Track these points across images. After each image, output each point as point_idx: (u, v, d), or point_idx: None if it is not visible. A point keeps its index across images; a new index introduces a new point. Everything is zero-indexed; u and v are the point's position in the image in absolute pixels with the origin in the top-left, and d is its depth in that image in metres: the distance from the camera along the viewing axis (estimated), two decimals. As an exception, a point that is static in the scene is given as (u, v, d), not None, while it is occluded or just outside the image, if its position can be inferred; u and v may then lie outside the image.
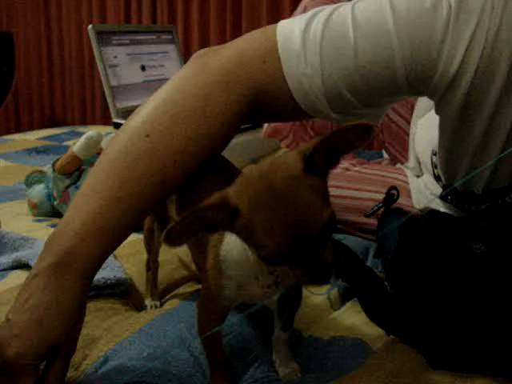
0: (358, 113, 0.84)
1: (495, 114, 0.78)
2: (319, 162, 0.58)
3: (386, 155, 1.67)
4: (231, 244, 0.68)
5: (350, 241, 1.18)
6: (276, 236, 0.56)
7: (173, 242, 0.59)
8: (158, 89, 0.82)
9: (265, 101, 0.81)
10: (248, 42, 0.83)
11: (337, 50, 0.77)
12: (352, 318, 0.92)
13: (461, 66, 0.75)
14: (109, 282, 0.96)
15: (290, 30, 0.80)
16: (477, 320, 0.79)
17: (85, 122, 3.78)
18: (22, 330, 0.69)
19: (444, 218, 0.96)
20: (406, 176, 1.37)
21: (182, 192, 0.81)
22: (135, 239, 1.07)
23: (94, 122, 3.69)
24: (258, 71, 0.80)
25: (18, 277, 1.02)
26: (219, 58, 0.81)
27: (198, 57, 0.84)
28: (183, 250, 1.10)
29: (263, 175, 0.58)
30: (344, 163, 1.39)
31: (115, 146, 0.79)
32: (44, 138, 2.49)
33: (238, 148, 1.91)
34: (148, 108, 0.80)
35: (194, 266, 1.08)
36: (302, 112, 0.82)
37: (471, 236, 0.90)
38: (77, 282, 0.72)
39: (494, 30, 0.74)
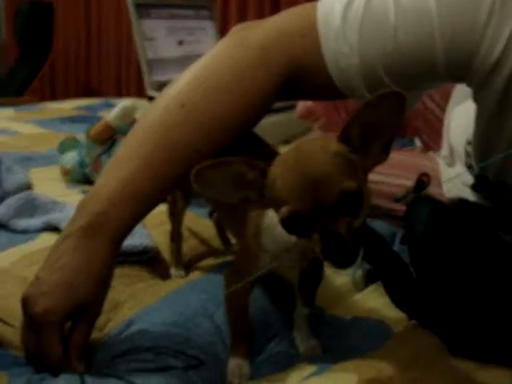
0: None
1: None
2: (354, 134, 0.60)
3: (418, 143, 1.66)
4: (271, 216, 0.69)
5: (377, 225, 1.17)
6: (295, 193, 0.58)
7: (200, 181, 0.62)
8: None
9: (301, 77, 0.81)
10: (287, 18, 0.83)
11: (376, 29, 0.77)
12: (375, 301, 0.92)
13: (503, 52, 0.74)
14: (136, 249, 0.97)
15: (330, 6, 0.79)
16: (501, 310, 0.79)
17: (119, 94, 3.81)
18: (50, 289, 0.71)
19: (474, 207, 0.95)
20: (437, 164, 1.36)
21: None
22: (163, 210, 1.08)
23: (128, 95, 3.72)
24: (296, 47, 0.80)
25: (49, 238, 1.04)
26: (258, 32, 0.81)
27: (237, 30, 0.84)
28: (207, 225, 1.11)
29: (299, 144, 0.61)
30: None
31: (150, 115, 0.80)
32: (78, 108, 2.52)
33: (270, 128, 1.91)
34: (184, 79, 0.80)
35: (215, 242, 1.09)
36: (336, 90, 0.82)
37: (501, 226, 0.89)
38: (106, 245, 0.74)
39: None
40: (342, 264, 0.59)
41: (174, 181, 0.79)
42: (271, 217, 0.69)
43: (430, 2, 0.74)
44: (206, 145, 0.77)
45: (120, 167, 0.77)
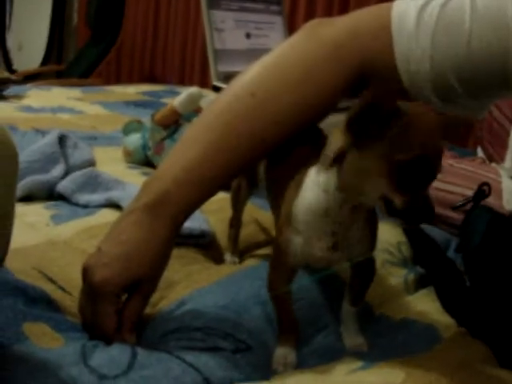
0: (462, 102, 0.83)
1: None
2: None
3: (480, 153, 1.63)
4: (306, 198, 0.72)
5: (432, 231, 1.17)
6: (421, 143, 0.64)
7: (353, 128, 0.65)
8: (260, 57, 0.84)
9: (370, 76, 0.82)
10: (362, 17, 0.84)
11: (450, 35, 0.76)
12: (425, 305, 0.91)
13: None
14: (193, 232, 0.99)
15: (405, 9, 0.79)
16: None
17: (182, 81, 3.86)
18: (110, 260, 0.73)
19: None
20: (499, 176, 1.34)
21: (273, 154, 0.83)
22: (222, 197, 1.09)
23: (191, 84, 3.76)
24: (369, 46, 0.80)
25: (108, 214, 1.07)
26: (331, 29, 0.82)
27: (310, 26, 0.85)
28: (266, 215, 1.12)
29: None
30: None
31: (220, 101, 0.82)
32: (143, 93, 2.57)
33: (339, 126, 1.92)
34: (255, 70, 0.82)
35: (272, 232, 1.10)
36: (405, 92, 0.82)
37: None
38: (167, 225, 0.76)
39: None
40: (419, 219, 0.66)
41: (238, 168, 0.81)
42: (305, 197, 0.72)
43: (508, 11, 0.73)
44: (272, 135, 0.79)
45: (186, 150, 0.79)
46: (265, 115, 0.78)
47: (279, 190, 0.78)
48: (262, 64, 0.82)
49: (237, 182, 0.98)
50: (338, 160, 0.68)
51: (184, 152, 0.79)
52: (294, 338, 0.77)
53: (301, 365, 0.76)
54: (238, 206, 1.01)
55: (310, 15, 3.15)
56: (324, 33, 0.82)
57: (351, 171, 0.67)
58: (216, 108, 0.81)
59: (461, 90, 0.79)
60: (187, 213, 0.78)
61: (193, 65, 3.86)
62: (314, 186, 0.71)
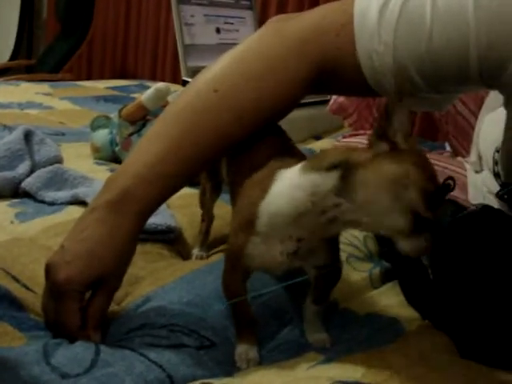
0: (424, 96, 0.84)
1: None
2: None
3: (448, 148, 1.65)
4: (278, 200, 0.69)
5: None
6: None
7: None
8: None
9: (334, 72, 0.82)
10: (326, 13, 0.84)
11: (412, 30, 0.77)
12: (390, 299, 0.92)
13: None
14: (159, 227, 0.99)
15: (367, 5, 0.80)
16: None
17: (154, 77, 3.83)
18: (73, 258, 0.73)
19: (495, 213, 0.95)
20: (465, 170, 1.36)
21: (232, 154, 0.83)
22: (188, 192, 1.10)
23: (163, 79, 3.74)
24: (331, 43, 0.80)
25: (75, 211, 1.06)
26: (294, 25, 0.82)
27: (274, 21, 0.85)
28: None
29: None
30: (404, 148, 1.38)
31: (183, 98, 0.82)
32: (113, 88, 2.55)
33: (302, 122, 1.92)
34: (219, 65, 0.82)
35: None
36: (369, 88, 0.83)
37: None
38: (131, 221, 0.75)
39: None
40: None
41: (201, 164, 0.81)
42: (275, 197, 0.70)
43: (468, 8, 0.74)
44: (235, 131, 0.79)
45: (149, 146, 0.79)
46: (227, 111, 0.78)
47: (237, 187, 0.77)
48: (225, 59, 0.82)
49: (203, 186, 0.99)
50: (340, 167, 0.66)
51: (147, 148, 0.79)
52: (252, 334, 0.77)
53: (265, 360, 0.77)
54: (206, 207, 1.02)
55: (281, 9, 3.15)
56: (288, 29, 0.82)
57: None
58: (179, 104, 0.82)
59: (423, 85, 0.80)
60: (151, 209, 0.78)
61: (164, 60, 3.84)
62: (295, 189, 0.68)
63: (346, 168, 0.65)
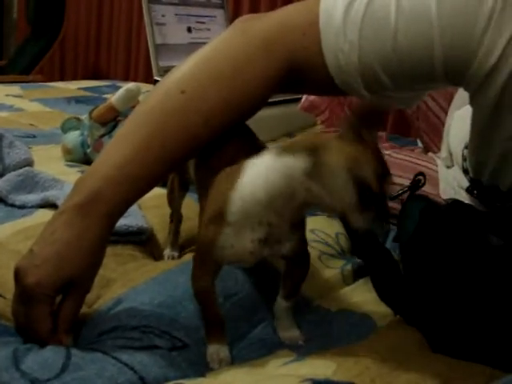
0: (391, 95, 0.84)
1: None
2: None
3: (420, 144, 1.67)
4: (250, 185, 0.70)
5: (371, 222, 1.18)
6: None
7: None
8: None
9: (301, 72, 0.82)
10: (292, 12, 0.84)
11: (377, 30, 0.77)
12: (362, 295, 0.93)
13: (499, 61, 0.74)
14: (130, 229, 0.99)
15: (333, 5, 0.80)
16: (483, 311, 0.80)
17: (127, 77, 3.82)
18: (42, 262, 0.72)
19: (465, 208, 0.96)
20: (435, 165, 1.37)
21: (201, 153, 0.83)
22: (160, 192, 1.09)
23: (136, 79, 3.73)
24: (297, 42, 0.81)
25: (45, 214, 1.05)
26: (261, 25, 0.83)
27: (240, 22, 0.85)
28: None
29: None
30: (375, 146, 1.39)
31: (151, 99, 0.82)
32: (85, 89, 2.54)
33: (274, 120, 1.93)
34: (186, 66, 0.82)
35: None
36: (336, 87, 0.83)
37: (490, 229, 0.91)
38: (100, 223, 0.75)
39: None
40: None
41: (169, 165, 0.81)
42: (247, 184, 0.71)
43: (431, 7, 0.75)
44: (203, 132, 0.79)
45: (118, 148, 0.78)
46: (195, 112, 0.78)
47: (206, 187, 0.77)
48: (192, 60, 0.82)
49: (170, 183, 0.99)
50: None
51: (116, 149, 0.78)
52: (222, 333, 0.77)
53: (238, 358, 0.77)
54: (174, 205, 1.02)
55: (254, 8, 3.16)
56: (254, 29, 0.82)
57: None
58: (148, 105, 0.81)
59: (389, 83, 0.81)
60: (120, 211, 0.77)
61: (138, 59, 3.82)
62: (270, 171, 0.69)
63: (314, 150, 0.67)
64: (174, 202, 1.01)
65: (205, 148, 0.81)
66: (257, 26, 0.83)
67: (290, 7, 0.86)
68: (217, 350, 0.75)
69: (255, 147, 0.79)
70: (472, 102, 0.85)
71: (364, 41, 0.78)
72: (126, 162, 0.76)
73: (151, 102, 0.81)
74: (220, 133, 0.80)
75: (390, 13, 0.76)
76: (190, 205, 1.04)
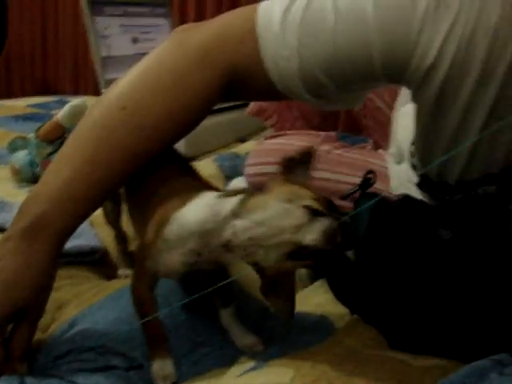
0: (335, 97, 0.85)
1: (469, 107, 0.79)
2: None
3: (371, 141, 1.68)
4: (191, 215, 0.72)
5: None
6: None
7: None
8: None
9: (242, 80, 0.82)
10: (229, 21, 0.84)
11: (315, 34, 0.78)
12: (319, 296, 0.93)
13: (436, 59, 0.76)
14: (83, 249, 0.98)
15: (270, 11, 0.80)
16: (437, 304, 0.81)
17: (77, 91, 3.77)
18: None
19: (415, 203, 0.97)
20: (386, 162, 1.39)
21: None
22: (112, 209, 1.08)
23: (86, 92, 3.68)
24: (236, 50, 0.81)
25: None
26: (198, 35, 0.82)
27: (178, 32, 0.85)
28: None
29: None
30: (325, 146, 1.40)
31: (92, 116, 0.80)
32: (33, 106, 2.49)
33: (224, 126, 1.93)
34: (126, 80, 0.81)
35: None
36: (279, 93, 0.83)
37: (440, 223, 0.92)
38: (47, 248, 0.74)
39: (471, 25, 0.74)
40: None
41: (114, 184, 0.79)
42: (191, 210, 0.72)
43: (368, 9, 0.75)
44: (145, 148, 0.78)
45: (61, 168, 0.77)
46: (136, 128, 0.77)
47: (142, 199, 0.80)
48: (132, 74, 0.81)
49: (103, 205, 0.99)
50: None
51: (58, 170, 0.77)
52: (165, 347, 0.76)
53: (200, 367, 0.77)
54: (111, 224, 1.02)
55: (200, 15, 3.15)
56: (190, 39, 0.82)
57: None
58: (89, 123, 0.80)
59: (331, 86, 0.81)
60: (67, 232, 0.76)
61: (86, 73, 3.77)
62: (204, 207, 0.72)
63: (245, 194, 0.71)
64: (112, 222, 1.02)
65: None
66: (194, 36, 0.82)
67: (226, 15, 0.86)
68: (161, 367, 0.74)
69: (182, 164, 0.85)
70: (414, 99, 0.86)
71: (303, 45, 0.78)
72: (70, 183, 0.75)
73: (92, 119, 0.80)
74: (165, 147, 0.80)
75: (327, 16, 0.77)
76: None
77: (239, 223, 0.68)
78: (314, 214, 0.66)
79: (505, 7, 0.71)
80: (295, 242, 0.65)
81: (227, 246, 0.69)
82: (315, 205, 0.66)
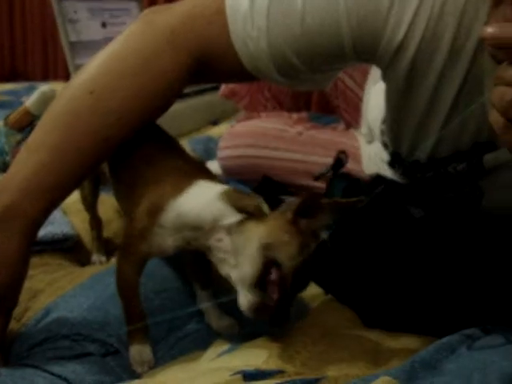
0: (305, 77, 0.85)
1: (438, 84, 0.80)
2: None
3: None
4: (189, 204, 0.73)
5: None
6: None
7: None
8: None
9: (211, 61, 0.82)
10: (196, 3, 0.83)
11: (284, 13, 0.77)
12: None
13: (406, 36, 0.76)
14: (56, 237, 0.97)
15: None
16: (409, 281, 0.83)
17: (47, 77, 3.71)
18: None
19: (387, 183, 0.98)
20: (357, 142, 1.39)
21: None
22: (85, 196, 1.07)
23: (56, 78, 3.63)
24: (205, 31, 0.80)
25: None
26: (166, 16, 0.81)
27: (146, 14, 0.84)
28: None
29: None
30: (298, 127, 1.40)
31: (60, 102, 0.79)
32: (2, 93, 2.45)
33: (197, 109, 1.92)
34: (93, 65, 0.80)
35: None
36: (249, 74, 0.83)
37: (411, 201, 0.93)
38: (19, 238, 0.73)
39: (440, 2, 0.75)
40: None
41: (85, 169, 0.79)
42: (191, 202, 0.73)
43: None
44: (115, 132, 0.77)
45: (29, 156, 0.76)
46: (105, 112, 0.76)
47: (129, 180, 0.80)
48: (99, 58, 0.80)
49: (80, 189, 0.98)
50: None
51: (27, 158, 0.76)
52: (144, 332, 0.76)
53: (175, 351, 0.77)
54: (88, 207, 1.02)
55: (169, -2, 3.11)
56: (159, 21, 0.81)
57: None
58: (56, 109, 0.79)
59: (301, 66, 0.81)
60: (39, 221, 0.75)
61: (56, 58, 3.71)
62: (206, 207, 0.72)
63: (249, 213, 0.71)
64: (88, 204, 1.02)
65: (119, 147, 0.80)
66: (162, 18, 0.81)
67: None
68: (139, 352, 0.74)
69: (169, 142, 0.83)
70: (384, 77, 0.87)
71: (272, 26, 0.78)
72: (39, 171, 0.74)
73: (60, 106, 0.78)
74: (135, 130, 0.79)
75: None
76: (115, 206, 1.03)
77: (225, 241, 0.71)
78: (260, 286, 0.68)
79: None
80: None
81: (210, 249, 0.72)
82: (284, 263, 0.67)
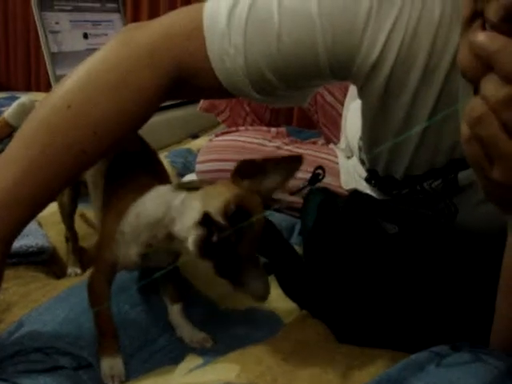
0: (282, 94, 0.86)
1: (413, 102, 0.81)
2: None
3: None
4: (143, 202, 0.77)
5: (277, 217, 1.21)
6: None
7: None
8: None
9: (188, 78, 0.82)
10: (175, 18, 0.84)
11: (261, 32, 0.78)
12: (268, 292, 0.94)
13: (381, 55, 0.77)
14: (31, 249, 0.96)
15: (216, 9, 0.80)
16: (383, 297, 0.83)
17: (29, 87, 3.70)
18: None
19: (362, 198, 0.99)
20: (336, 157, 1.40)
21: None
22: (60, 209, 1.07)
23: (38, 89, 3.61)
24: (182, 48, 0.81)
25: None
26: (144, 33, 0.82)
27: (125, 30, 0.84)
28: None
29: None
30: (276, 142, 1.41)
31: (38, 115, 0.79)
32: (-18, 103, 2.44)
33: (177, 122, 1.93)
34: (72, 79, 0.80)
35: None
36: (226, 91, 0.84)
37: (386, 217, 0.94)
38: None
39: (414, 21, 0.75)
40: None
41: (61, 183, 0.79)
42: (142, 205, 0.77)
43: (312, 7, 0.76)
44: (92, 146, 0.77)
45: (6, 170, 0.75)
46: (82, 126, 0.76)
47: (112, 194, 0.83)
48: (78, 72, 0.80)
49: (59, 197, 0.99)
50: None
51: (4, 171, 0.75)
52: (115, 344, 0.76)
53: (148, 365, 0.77)
54: (65, 216, 1.03)
55: (153, 11, 3.11)
56: (137, 37, 0.81)
57: None
58: (34, 122, 0.79)
59: (278, 83, 0.82)
60: (12, 234, 0.75)
61: (38, 69, 3.69)
62: (157, 198, 0.77)
63: (188, 191, 0.75)
64: (66, 216, 1.03)
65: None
66: (140, 34, 0.82)
67: (172, 14, 0.85)
68: (110, 365, 0.74)
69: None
70: (360, 95, 0.88)
71: (249, 43, 0.78)
72: (15, 185, 0.74)
73: (38, 119, 0.78)
74: (112, 145, 0.80)
75: (272, 14, 0.77)
76: (87, 219, 1.04)
77: (177, 219, 0.72)
78: (204, 222, 0.68)
79: (446, 3, 0.73)
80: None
81: (171, 235, 0.73)
82: (216, 214, 0.68)
